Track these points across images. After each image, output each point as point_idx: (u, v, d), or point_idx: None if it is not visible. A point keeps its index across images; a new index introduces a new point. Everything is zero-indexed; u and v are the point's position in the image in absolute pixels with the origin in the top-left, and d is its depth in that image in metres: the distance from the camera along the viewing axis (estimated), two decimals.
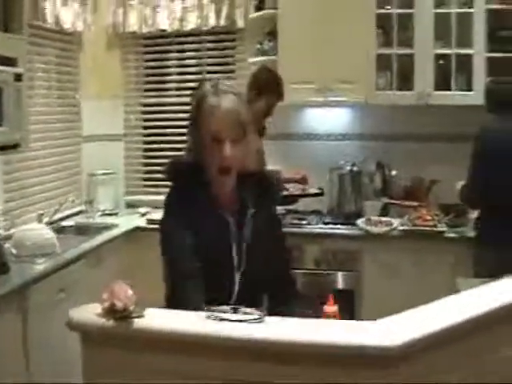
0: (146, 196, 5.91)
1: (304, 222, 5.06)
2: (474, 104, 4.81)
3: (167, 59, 6.01)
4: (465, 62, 5.02)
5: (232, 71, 5.80)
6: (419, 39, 5.07)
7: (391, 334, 1.79)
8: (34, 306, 3.70)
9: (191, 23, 5.68)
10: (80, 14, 5.38)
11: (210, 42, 5.85)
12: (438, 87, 5.06)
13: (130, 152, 6.09)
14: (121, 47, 5.97)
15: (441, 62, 5.10)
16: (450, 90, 5.04)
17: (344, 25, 5.02)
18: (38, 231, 4.27)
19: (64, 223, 5.18)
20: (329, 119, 5.59)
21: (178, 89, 5.95)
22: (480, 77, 4.94)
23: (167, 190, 2.49)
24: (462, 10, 5.05)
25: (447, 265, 4.49)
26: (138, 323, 1.90)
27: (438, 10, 5.06)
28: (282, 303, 2.48)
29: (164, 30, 5.77)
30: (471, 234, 4.51)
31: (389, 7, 5.15)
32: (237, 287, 2.39)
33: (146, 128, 6.10)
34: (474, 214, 4.55)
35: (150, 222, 5.08)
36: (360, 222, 4.95)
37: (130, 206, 5.86)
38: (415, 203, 5.06)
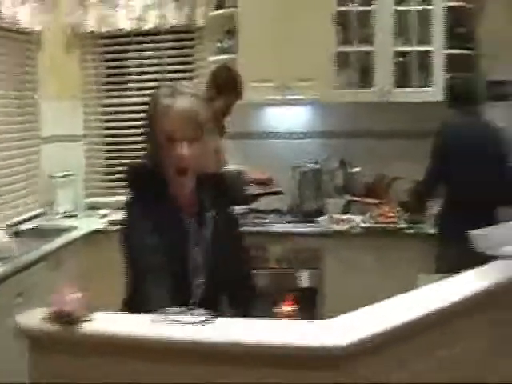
0: (106, 198, 5.82)
1: (266, 221, 5.06)
2: (434, 100, 4.86)
3: (127, 59, 5.95)
4: (424, 59, 5.06)
5: (192, 70, 5.76)
6: (379, 36, 5.09)
7: (341, 333, 1.78)
8: None
9: (150, 22, 5.63)
10: (38, 13, 5.30)
11: (169, 40, 5.80)
12: (398, 84, 5.08)
13: (90, 153, 6.01)
14: (80, 47, 5.89)
15: (400, 59, 5.12)
16: (410, 86, 5.07)
17: (303, 23, 5.02)
18: None
19: (23, 226, 5.09)
20: (290, 117, 5.58)
21: (138, 89, 5.88)
22: (439, 73, 4.98)
23: (127, 191, 2.47)
24: (421, 8, 5.07)
25: (409, 261, 4.49)
26: (85, 328, 1.87)
27: (398, 8, 5.08)
28: (242, 303, 2.49)
29: (123, 30, 5.71)
30: (431, 230, 4.53)
31: (349, 4, 5.15)
32: (198, 288, 2.37)
33: (106, 129, 6.03)
34: (433, 211, 4.57)
35: (111, 223, 5.02)
36: (322, 219, 4.95)
37: (91, 207, 5.79)
38: (376, 200, 5.07)
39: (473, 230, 2.92)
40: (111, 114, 6.02)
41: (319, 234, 4.88)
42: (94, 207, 5.76)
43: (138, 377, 1.80)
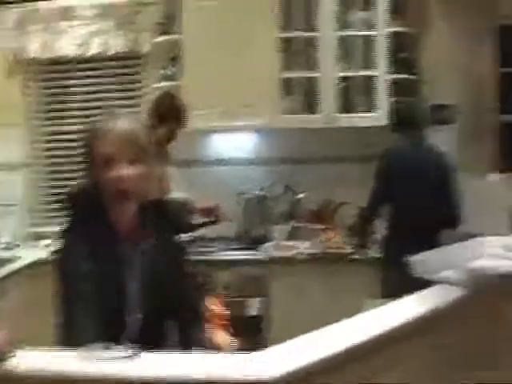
0: (49, 227, 5.70)
1: (212, 249, 5.01)
2: (379, 125, 4.88)
3: (70, 86, 5.86)
4: (368, 84, 5.10)
5: (136, 97, 5.70)
6: (323, 62, 5.11)
7: (269, 366, 1.73)
8: None
9: (94, 48, 5.57)
10: None
11: (113, 67, 5.73)
12: (343, 109, 5.10)
13: (32, 182, 5.89)
14: (22, 73, 5.79)
15: (345, 84, 5.14)
16: (354, 111, 5.10)
17: (248, 49, 5.02)
18: None
19: None
20: (235, 144, 5.56)
21: (81, 116, 5.79)
22: (383, 98, 5.02)
23: (65, 218, 2.41)
24: (364, 33, 5.11)
25: (356, 286, 4.46)
26: (7, 365, 1.79)
27: (342, 33, 5.11)
28: (185, 330, 2.45)
29: (66, 56, 5.63)
30: (377, 254, 4.53)
31: (292, 31, 5.16)
32: (133, 319, 2.30)
33: (48, 157, 5.91)
34: (379, 235, 4.58)
35: (54, 253, 4.91)
36: (268, 246, 4.92)
37: (34, 237, 5.67)
38: (322, 226, 5.07)
39: (415, 253, 2.92)
40: (54, 141, 5.91)
41: (265, 261, 4.84)
42: (38, 237, 5.64)
43: None
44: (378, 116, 5.00)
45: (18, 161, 5.79)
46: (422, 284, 2.56)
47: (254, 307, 4.82)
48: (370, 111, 5.07)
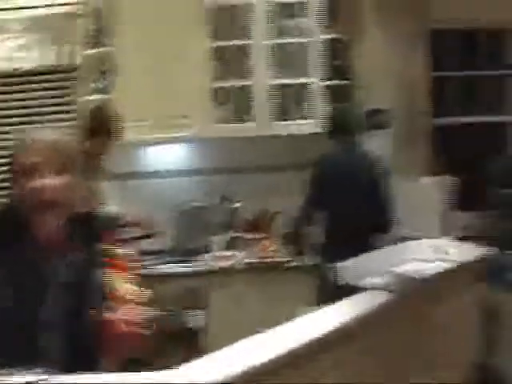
0: None
1: (148, 263, 4.91)
2: (313, 132, 4.88)
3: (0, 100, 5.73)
4: (302, 91, 5.10)
5: (68, 111, 5.60)
6: (257, 70, 5.10)
7: (210, 371, 1.71)
8: None
9: (23, 62, 5.47)
10: None
11: (44, 81, 5.62)
12: (277, 117, 5.09)
13: None
14: None
15: (279, 92, 5.13)
16: (289, 119, 5.09)
17: (180, 60, 5.00)
18: None
19: None
20: (169, 156, 5.50)
21: (9, 132, 5.65)
22: (318, 105, 5.02)
23: None
24: (298, 40, 5.11)
25: (293, 294, 4.46)
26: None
27: (275, 41, 5.11)
28: None
29: None
30: (314, 262, 4.53)
31: (225, 39, 5.14)
32: (50, 339, 2.22)
33: None
34: (315, 242, 4.58)
35: None
36: (206, 257, 4.88)
37: None
38: (259, 235, 5.05)
39: (348, 259, 2.92)
40: None
41: (203, 272, 4.81)
42: None
43: None
44: (313, 123, 5.00)
45: None
46: (353, 291, 2.56)
47: (192, 319, 4.77)
48: (305, 118, 5.07)
